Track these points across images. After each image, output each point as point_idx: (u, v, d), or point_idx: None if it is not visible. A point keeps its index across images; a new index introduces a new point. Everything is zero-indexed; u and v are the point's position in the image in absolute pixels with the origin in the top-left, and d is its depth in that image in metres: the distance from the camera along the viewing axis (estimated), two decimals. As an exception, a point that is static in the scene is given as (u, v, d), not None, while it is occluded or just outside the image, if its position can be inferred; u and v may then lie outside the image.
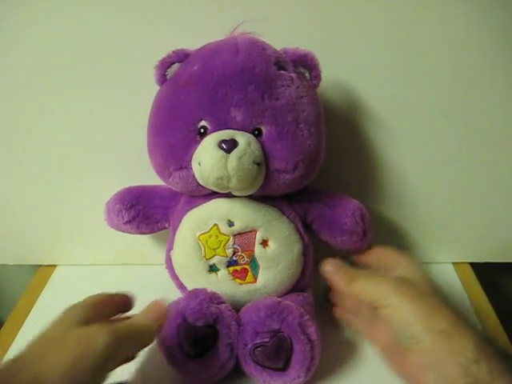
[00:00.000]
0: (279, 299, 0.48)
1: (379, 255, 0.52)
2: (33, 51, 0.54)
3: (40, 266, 0.68)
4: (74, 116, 0.58)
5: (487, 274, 0.62)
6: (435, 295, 0.42)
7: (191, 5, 0.51)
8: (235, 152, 0.43)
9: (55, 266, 0.68)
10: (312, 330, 0.46)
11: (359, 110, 0.57)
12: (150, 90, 0.50)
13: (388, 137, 0.58)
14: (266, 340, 0.45)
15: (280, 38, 0.49)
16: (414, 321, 0.39)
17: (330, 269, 0.47)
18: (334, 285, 0.46)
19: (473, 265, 0.65)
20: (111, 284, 0.62)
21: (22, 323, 0.58)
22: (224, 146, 0.43)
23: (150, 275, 0.63)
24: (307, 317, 0.46)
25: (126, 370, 0.50)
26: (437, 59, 0.54)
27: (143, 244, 0.64)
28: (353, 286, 0.44)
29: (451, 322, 0.39)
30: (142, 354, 0.51)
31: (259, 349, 0.45)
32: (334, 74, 0.53)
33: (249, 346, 0.46)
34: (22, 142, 0.59)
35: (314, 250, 0.53)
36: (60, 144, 0.60)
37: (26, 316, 0.59)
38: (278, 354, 0.45)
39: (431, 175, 0.60)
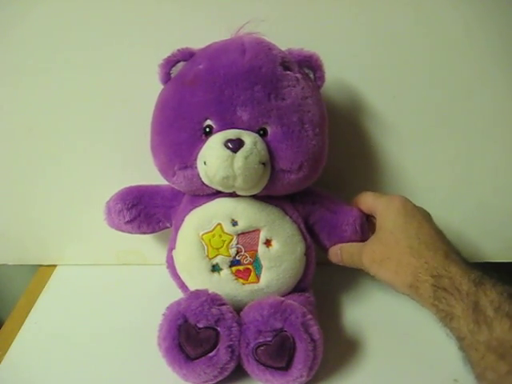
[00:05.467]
0: (282, 298, 0.48)
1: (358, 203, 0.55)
2: (34, 50, 0.54)
3: (40, 266, 0.68)
4: (74, 116, 0.58)
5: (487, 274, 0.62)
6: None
7: (195, 3, 0.52)
8: (242, 151, 0.43)
9: (55, 266, 0.67)
10: (314, 329, 0.46)
11: (360, 110, 0.57)
12: (151, 88, 0.50)
13: (389, 136, 0.58)
14: (269, 339, 0.45)
15: (282, 39, 0.49)
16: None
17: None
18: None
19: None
20: (111, 284, 0.64)
21: (22, 323, 0.58)
22: (230, 146, 0.43)
23: (150, 275, 0.63)
24: (310, 316, 0.46)
25: (126, 370, 0.51)
26: (438, 59, 0.55)
27: (143, 244, 0.64)
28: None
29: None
30: (142, 354, 0.51)
31: (262, 348, 0.45)
32: (334, 74, 0.53)
33: (251, 345, 0.46)
34: (22, 142, 0.59)
35: (315, 251, 0.53)
36: (60, 143, 0.59)
37: (26, 316, 0.59)
38: (280, 353, 0.45)
39: (432, 175, 0.61)
